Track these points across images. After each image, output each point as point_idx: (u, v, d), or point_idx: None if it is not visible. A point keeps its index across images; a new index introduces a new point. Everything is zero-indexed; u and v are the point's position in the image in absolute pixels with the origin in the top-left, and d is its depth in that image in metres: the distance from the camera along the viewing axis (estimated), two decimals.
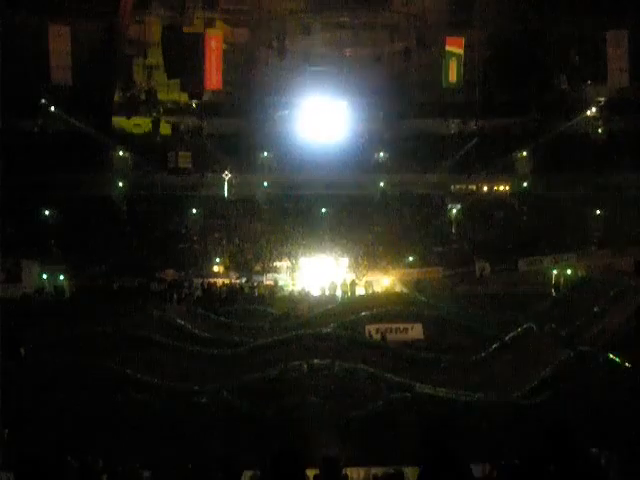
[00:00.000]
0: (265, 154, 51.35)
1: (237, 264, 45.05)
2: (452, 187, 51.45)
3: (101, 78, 47.89)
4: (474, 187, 51.72)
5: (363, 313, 32.58)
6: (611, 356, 26.72)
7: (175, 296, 38.41)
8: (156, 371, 27.09)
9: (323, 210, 48.78)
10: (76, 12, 46.59)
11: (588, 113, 50.37)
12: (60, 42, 44.99)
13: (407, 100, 51.31)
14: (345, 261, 44.43)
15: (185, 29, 48.71)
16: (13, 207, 41.99)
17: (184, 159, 49.83)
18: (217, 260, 45.02)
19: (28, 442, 18.43)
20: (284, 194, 50.18)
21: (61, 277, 40.00)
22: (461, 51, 49.96)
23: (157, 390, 25.83)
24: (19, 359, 26.49)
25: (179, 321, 31.89)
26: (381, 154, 51.88)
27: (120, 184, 48.80)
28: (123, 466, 13.24)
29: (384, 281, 41.82)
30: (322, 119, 50.96)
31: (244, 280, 42.00)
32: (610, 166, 47.56)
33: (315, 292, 40.02)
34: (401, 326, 31.42)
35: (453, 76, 50.39)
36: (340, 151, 49.65)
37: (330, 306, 35.08)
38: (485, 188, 51.70)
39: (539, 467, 6.36)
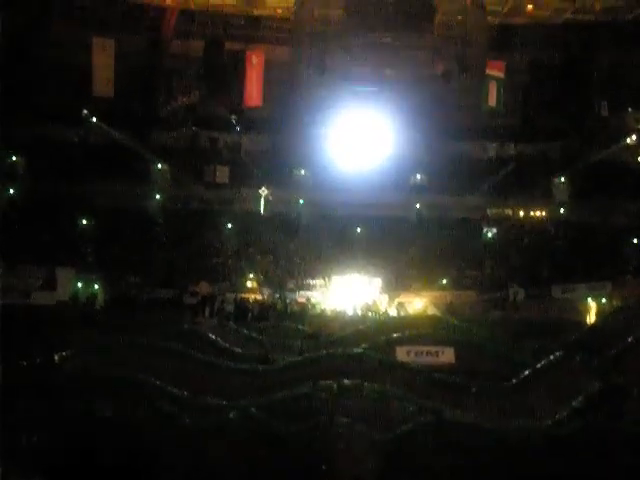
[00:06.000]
0: (302, 172, 51.44)
1: (270, 280, 45.13)
2: (488, 211, 51.15)
3: (142, 92, 48.56)
4: (510, 212, 51.37)
5: (394, 335, 32.34)
6: None
7: (207, 310, 38.52)
8: (186, 384, 27.15)
9: (358, 230, 48.66)
10: (121, 26, 47.53)
11: (628, 140, 49.95)
12: (104, 55, 45.90)
13: (446, 122, 51.26)
14: (378, 281, 44.26)
15: (227, 45, 49.41)
16: (51, 215, 42.60)
17: (221, 174, 50.16)
18: (250, 275, 45.09)
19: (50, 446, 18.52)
20: (319, 212, 50.17)
21: (95, 286, 40.32)
22: (502, 75, 50.07)
23: (186, 403, 25.89)
24: (53, 366, 26.71)
25: (210, 335, 31.91)
26: (418, 176, 51.71)
27: (157, 196, 49.16)
28: None
29: (416, 303, 41.62)
30: (360, 138, 51.02)
31: (277, 296, 42.03)
32: None
33: (348, 311, 39.89)
34: (432, 349, 30.97)
35: (493, 100, 50.53)
36: (377, 171, 49.66)
37: (361, 326, 34.90)
38: (521, 213, 51.33)
39: None
